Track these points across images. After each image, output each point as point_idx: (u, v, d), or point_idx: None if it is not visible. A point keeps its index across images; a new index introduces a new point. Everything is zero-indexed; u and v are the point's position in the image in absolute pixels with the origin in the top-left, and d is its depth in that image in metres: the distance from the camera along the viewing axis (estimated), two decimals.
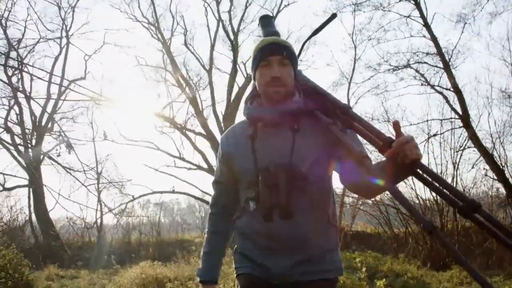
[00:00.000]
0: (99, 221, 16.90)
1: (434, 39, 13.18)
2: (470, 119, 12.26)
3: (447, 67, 12.94)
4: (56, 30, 19.29)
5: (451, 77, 12.69)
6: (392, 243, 12.74)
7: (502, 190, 11.96)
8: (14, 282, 7.50)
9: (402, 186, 11.16)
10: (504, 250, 9.18)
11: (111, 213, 17.15)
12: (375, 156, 9.23)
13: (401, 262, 10.22)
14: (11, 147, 17.40)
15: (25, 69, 18.65)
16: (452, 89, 12.72)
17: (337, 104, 1.92)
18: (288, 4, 19.25)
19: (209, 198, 2.23)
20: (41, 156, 18.09)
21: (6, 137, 17.88)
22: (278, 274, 1.99)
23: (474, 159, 12.38)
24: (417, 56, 14.14)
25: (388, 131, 13.86)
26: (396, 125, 1.62)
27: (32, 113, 18.75)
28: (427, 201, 11.77)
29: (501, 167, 11.64)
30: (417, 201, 11.76)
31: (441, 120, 12.77)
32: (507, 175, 11.54)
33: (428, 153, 12.24)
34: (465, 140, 12.34)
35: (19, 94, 18.60)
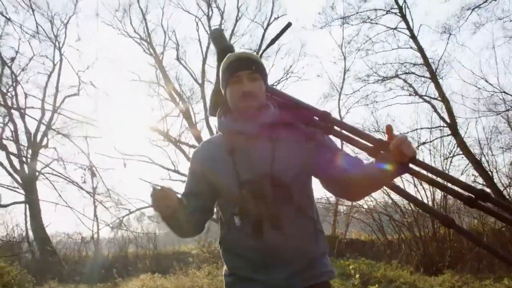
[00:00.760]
0: (95, 235, 16.97)
1: (420, 50, 13.56)
2: (458, 127, 12.59)
3: (434, 77, 13.29)
4: (49, 46, 19.48)
5: (438, 87, 13.04)
6: (386, 249, 12.91)
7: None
8: None
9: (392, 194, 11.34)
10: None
11: (107, 227, 17.23)
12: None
13: (394, 268, 10.38)
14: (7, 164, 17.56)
15: (19, 87, 18.85)
16: (439, 99, 13.02)
17: (315, 112, 1.96)
18: (278, 17, 19.63)
19: None
20: (36, 172, 18.26)
21: (1, 154, 18.01)
22: None
23: (464, 165, 12.70)
24: (405, 67, 14.57)
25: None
26: (389, 129, 1.68)
27: (27, 130, 18.88)
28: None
29: (490, 173, 11.90)
30: (409, 207, 11.93)
31: (430, 128, 13.06)
32: (496, 180, 11.83)
33: None
34: (454, 147, 12.62)
35: (14, 111, 18.77)
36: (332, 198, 13.87)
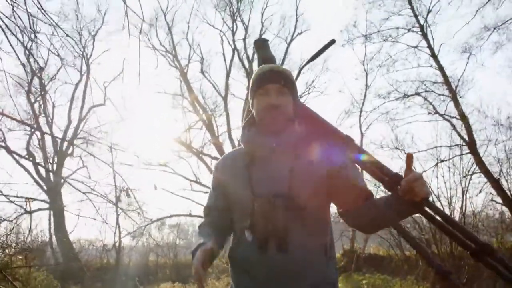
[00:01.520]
0: (117, 243, 17.30)
1: (441, 68, 13.67)
2: (477, 146, 12.65)
3: (454, 96, 13.38)
4: (77, 58, 20.03)
5: (457, 105, 13.12)
6: (403, 265, 12.94)
7: (509, 214, 12.24)
8: None
9: None
10: None
11: (129, 236, 17.54)
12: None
13: (410, 284, 10.46)
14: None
15: (47, 96, 19.37)
16: (458, 117, 13.14)
17: (338, 135, 1.89)
18: (301, 33, 19.88)
19: None
20: (62, 180, 18.70)
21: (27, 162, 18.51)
22: None
23: (483, 183, 12.63)
24: (425, 85, 14.62)
25: (398, 156, 14.14)
26: (409, 159, 1.62)
27: (53, 138, 19.39)
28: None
29: (509, 192, 11.90)
30: (427, 224, 11.92)
31: (450, 146, 13.12)
32: None
33: (437, 178, 12.48)
34: (473, 165, 12.59)
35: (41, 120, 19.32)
36: None
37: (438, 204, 11.55)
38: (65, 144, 19.49)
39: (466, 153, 12.75)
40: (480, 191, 12.59)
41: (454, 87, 13.54)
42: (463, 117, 12.94)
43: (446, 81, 13.64)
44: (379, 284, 9.67)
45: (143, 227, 17.69)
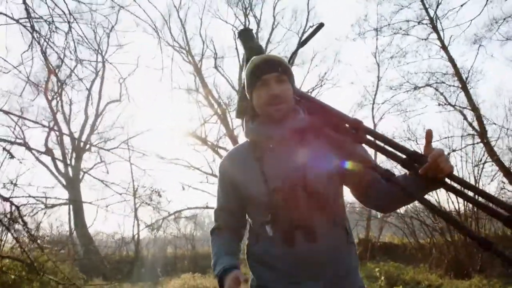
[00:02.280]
0: (136, 236, 17.67)
1: (451, 60, 13.79)
2: (488, 135, 12.80)
3: (464, 87, 13.51)
4: (92, 54, 20.34)
5: (468, 96, 13.25)
6: (417, 253, 13.05)
7: None
8: None
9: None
10: None
11: (147, 228, 17.87)
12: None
13: (423, 271, 10.57)
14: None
15: (64, 93, 19.73)
16: (469, 107, 13.30)
17: (346, 120, 1.81)
18: (313, 26, 19.92)
19: None
20: (80, 174, 19.12)
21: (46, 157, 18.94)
22: None
23: (495, 171, 12.78)
24: (435, 77, 14.76)
25: (411, 147, 14.32)
26: (429, 135, 1.62)
27: (71, 134, 19.81)
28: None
29: None
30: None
31: (461, 136, 13.23)
32: None
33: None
34: (484, 154, 12.72)
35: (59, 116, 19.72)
36: None
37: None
38: (83, 139, 19.88)
39: (478, 143, 12.90)
40: (492, 180, 12.76)
41: (464, 78, 13.66)
42: (474, 107, 13.08)
43: (457, 73, 13.75)
44: (392, 272, 9.83)
45: (161, 220, 18.05)
